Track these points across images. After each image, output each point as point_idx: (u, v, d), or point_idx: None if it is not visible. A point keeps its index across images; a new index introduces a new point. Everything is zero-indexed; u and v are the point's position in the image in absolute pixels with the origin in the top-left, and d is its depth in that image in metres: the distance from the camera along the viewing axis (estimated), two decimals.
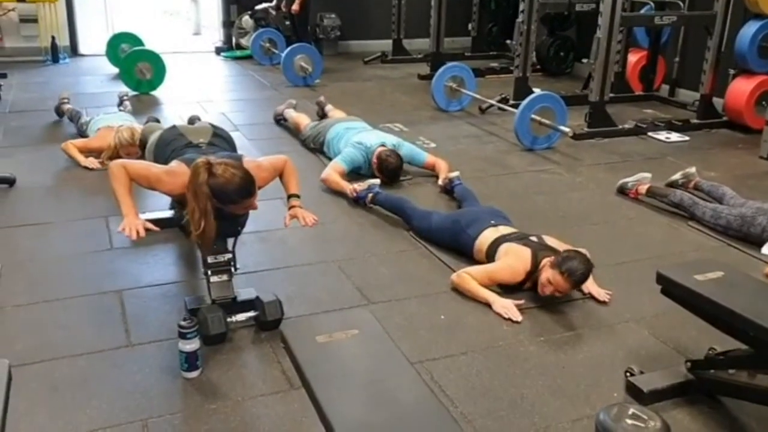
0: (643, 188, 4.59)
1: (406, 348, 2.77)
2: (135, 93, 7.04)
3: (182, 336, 2.61)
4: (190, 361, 2.63)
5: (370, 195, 4.33)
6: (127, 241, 3.74)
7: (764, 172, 5.36)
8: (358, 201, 4.39)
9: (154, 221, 3.87)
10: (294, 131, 5.87)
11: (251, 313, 2.96)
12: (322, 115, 6.02)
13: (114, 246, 3.77)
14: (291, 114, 6.04)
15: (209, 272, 2.96)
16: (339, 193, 4.55)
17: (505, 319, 3.12)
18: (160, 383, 2.63)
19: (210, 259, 2.96)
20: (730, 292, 2.50)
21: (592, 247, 3.54)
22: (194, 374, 2.65)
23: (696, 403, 2.60)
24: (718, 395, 2.62)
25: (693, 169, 4.75)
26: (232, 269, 3.00)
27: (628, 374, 2.70)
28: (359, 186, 4.41)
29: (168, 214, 3.87)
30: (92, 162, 4.89)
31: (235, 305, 2.96)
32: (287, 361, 2.49)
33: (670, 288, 2.64)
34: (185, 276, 3.50)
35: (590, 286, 3.36)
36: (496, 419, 2.50)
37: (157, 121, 5.21)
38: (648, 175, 4.69)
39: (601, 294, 3.33)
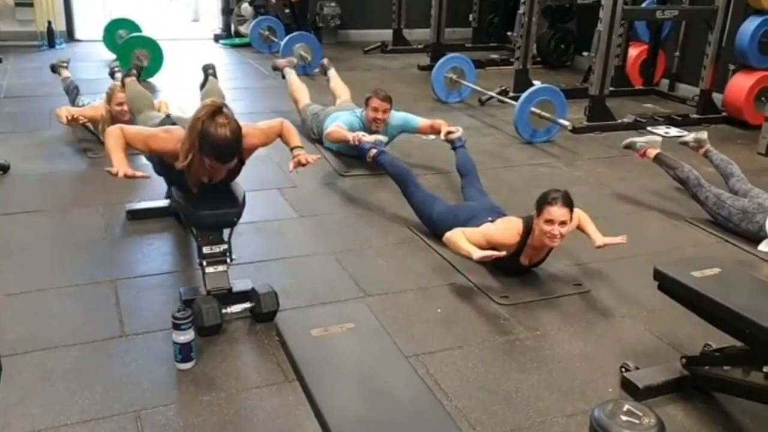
0: (652, 153, 4.48)
1: (401, 341, 2.77)
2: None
3: (176, 327, 2.60)
4: (184, 352, 2.62)
5: (374, 151, 4.24)
6: (122, 230, 3.79)
7: (762, 168, 5.35)
8: (360, 150, 4.34)
9: (150, 210, 3.93)
10: (292, 102, 5.81)
11: (246, 305, 2.94)
12: (324, 74, 6.06)
13: (109, 235, 3.75)
14: (291, 79, 5.95)
15: (204, 263, 2.94)
16: (335, 185, 4.53)
17: (488, 262, 3.17)
18: (153, 374, 2.61)
19: (206, 250, 2.94)
20: (727, 289, 2.50)
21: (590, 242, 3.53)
22: (188, 365, 2.64)
23: (691, 400, 2.60)
24: (713, 392, 2.62)
25: (705, 135, 4.64)
26: (228, 260, 2.98)
27: (623, 370, 2.70)
28: (365, 137, 4.36)
29: (164, 203, 3.85)
30: (74, 117, 4.82)
31: (230, 296, 2.94)
32: (282, 353, 2.47)
33: (667, 284, 2.63)
34: (180, 266, 3.48)
35: (601, 239, 3.36)
36: (491, 414, 2.49)
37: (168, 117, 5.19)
38: (659, 138, 4.61)
39: (615, 239, 3.33)
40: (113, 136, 2.91)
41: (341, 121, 4.81)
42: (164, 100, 5.37)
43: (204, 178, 2.92)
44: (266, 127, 3.18)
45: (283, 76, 6.04)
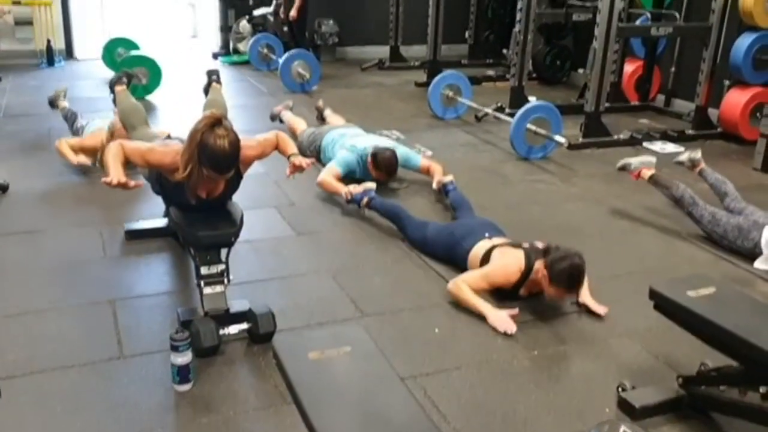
0: (646, 173, 4.49)
1: (399, 362, 2.78)
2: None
3: (174, 349, 2.60)
4: (182, 374, 2.63)
5: (366, 199, 4.30)
6: (121, 250, 3.80)
7: (758, 183, 5.38)
8: (352, 203, 4.37)
9: (148, 231, 3.94)
10: (290, 135, 5.85)
11: (244, 326, 2.95)
12: (322, 120, 6.02)
13: (107, 254, 3.76)
14: (288, 117, 6.02)
15: (202, 283, 2.95)
16: (333, 202, 4.55)
17: (500, 332, 3.12)
18: (151, 396, 2.62)
19: (203, 270, 2.95)
20: (722, 308, 2.51)
21: (586, 259, 3.51)
22: (186, 387, 2.64)
23: (687, 420, 2.60)
24: (710, 411, 2.62)
25: (699, 154, 4.66)
26: (225, 280, 2.99)
27: (620, 389, 2.70)
28: (355, 188, 4.40)
29: (162, 223, 3.87)
30: (82, 159, 4.82)
31: (227, 317, 2.94)
32: (279, 376, 2.48)
33: (662, 304, 2.64)
34: (178, 286, 3.49)
35: (586, 298, 3.37)
36: None
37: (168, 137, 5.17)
38: (653, 159, 4.61)
39: (598, 307, 3.33)
40: (112, 151, 2.93)
41: (338, 164, 4.80)
42: (165, 131, 5.38)
43: (202, 191, 2.94)
44: (262, 139, 3.21)
45: (281, 120, 6.07)
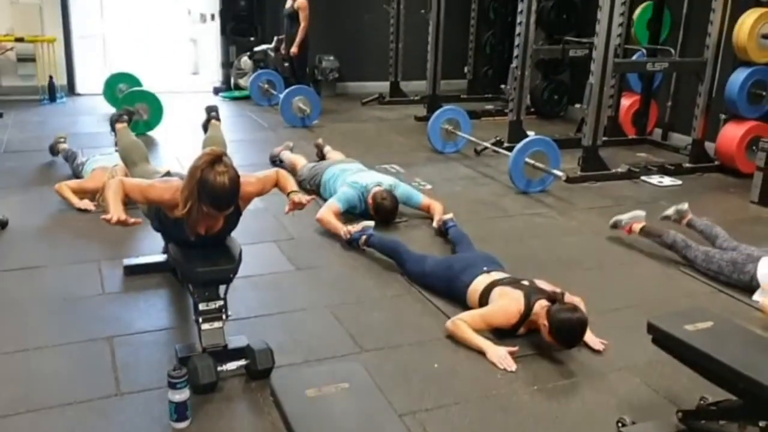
0: (637, 226, 4.58)
1: (398, 398, 2.77)
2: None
3: (172, 386, 2.59)
4: (180, 411, 2.61)
5: (364, 237, 4.33)
6: (119, 286, 3.81)
7: (755, 216, 5.40)
8: (351, 243, 4.40)
9: (147, 266, 3.94)
10: (290, 172, 5.88)
11: (242, 362, 2.94)
12: (321, 157, 6.06)
13: (106, 291, 3.76)
14: (288, 155, 6.07)
15: (200, 319, 2.94)
16: (332, 236, 4.56)
17: (499, 369, 3.11)
18: None
19: (201, 306, 2.95)
20: (720, 342, 2.51)
21: (586, 293, 3.55)
22: (183, 425, 2.62)
23: None
24: None
25: (686, 206, 4.73)
26: (224, 316, 2.98)
27: (620, 424, 2.68)
28: (353, 228, 4.43)
29: (161, 258, 3.88)
30: (87, 204, 4.89)
31: (225, 353, 2.93)
32: (277, 412, 2.48)
33: (660, 338, 2.64)
34: (177, 322, 3.48)
35: (590, 338, 3.36)
36: None
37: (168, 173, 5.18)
38: (642, 213, 4.69)
39: (595, 343, 3.32)
40: (113, 187, 2.94)
41: (339, 200, 4.83)
42: (165, 168, 5.42)
43: (201, 228, 2.95)
44: (262, 176, 3.23)
45: (281, 161, 6.11)
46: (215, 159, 2.78)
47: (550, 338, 3.17)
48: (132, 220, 2.85)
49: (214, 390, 2.84)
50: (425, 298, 3.77)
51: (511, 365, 3.12)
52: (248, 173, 3.18)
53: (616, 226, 4.72)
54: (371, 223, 4.49)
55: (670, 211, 4.74)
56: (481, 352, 3.21)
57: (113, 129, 4.81)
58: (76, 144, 6.26)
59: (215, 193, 2.76)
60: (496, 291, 3.46)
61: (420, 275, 3.91)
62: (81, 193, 4.97)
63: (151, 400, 2.78)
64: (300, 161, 5.83)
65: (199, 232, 2.96)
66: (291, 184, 3.27)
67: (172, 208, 2.93)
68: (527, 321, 3.32)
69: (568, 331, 3.13)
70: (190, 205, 2.82)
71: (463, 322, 3.33)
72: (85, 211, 4.85)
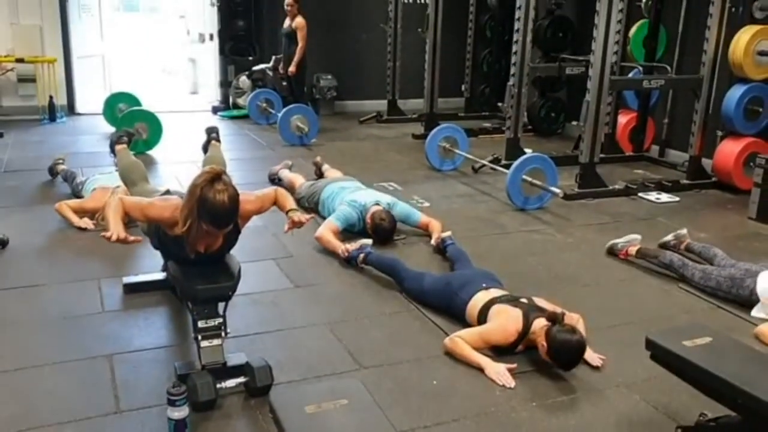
0: (633, 249, 4.63)
1: (396, 415, 2.77)
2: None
3: (171, 403, 2.59)
4: (179, 428, 2.61)
5: (362, 255, 4.35)
6: (119, 304, 3.82)
7: (753, 232, 5.42)
8: (349, 261, 4.41)
9: (147, 283, 3.95)
10: (289, 190, 5.91)
11: (241, 379, 2.94)
12: (320, 175, 6.08)
13: (106, 309, 3.76)
14: (286, 174, 6.10)
15: (199, 337, 2.95)
16: (331, 254, 4.57)
17: (498, 385, 3.11)
18: None
19: (201, 324, 2.96)
20: (718, 358, 2.52)
21: (584, 310, 3.56)
22: None
23: None
24: None
25: (684, 231, 4.78)
26: (223, 334, 2.99)
27: None
28: (351, 246, 4.44)
29: (160, 276, 3.88)
30: (86, 222, 4.91)
31: (225, 371, 2.94)
32: (277, 429, 2.48)
33: (658, 354, 2.66)
34: (176, 340, 3.48)
35: (590, 354, 3.36)
36: None
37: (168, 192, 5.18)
38: (638, 236, 4.73)
39: (594, 359, 3.33)
40: (113, 206, 2.97)
41: (339, 217, 4.85)
42: (164, 187, 5.44)
43: (201, 246, 2.96)
44: (261, 194, 3.25)
45: (280, 179, 6.14)
46: (215, 177, 2.81)
47: (548, 359, 3.18)
48: (132, 238, 2.88)
49: (214, 407, 2.84)
50: (424, 315, 3.78)
51: (510, 382, 3.12)
52: (247, 191, 3.20)
53: (612, 251, 4.75)
54: (369, 241, 4.50)
55: (669, 237, 4.78)
56: (480, 369, 3.21)
57: (113, 151, 4.84)
58: (75, 163, 6.30)
59: (215, 211, 2.78)
60: (495, 309, 3.46)
61: (419, 292, 3.92)
62: (81, 213, 4.99)
63: (150, 418, 2.78)
64: (298, 180, 5.86)
65: (198, 250, 2.97)
66: (290, 202, 3.29)
67: (171, 226, 2.94)
68: (525, 339, 3.32)
69: (567, 352, 3.14)
70: (189, 223, 2.83)
71: (461, 340, 3.33)
72: (84, 229, 4.87)
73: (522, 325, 3.31)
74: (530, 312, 3.35)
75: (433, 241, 4.77)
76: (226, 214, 2.82)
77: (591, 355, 3.33)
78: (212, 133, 4.87)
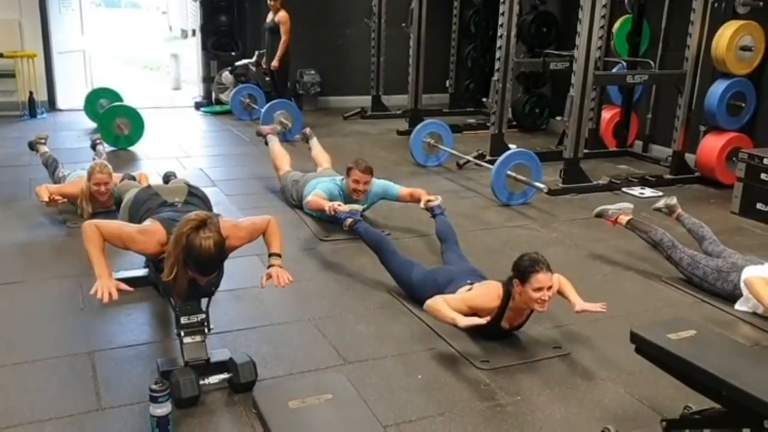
0: (623, 219, 4.56)
1: (381, 410, 2.76)
2: (113, 148, 7.04)
3: (153, 400, 2.56)
4: (161, 425, 2.58)
5: (350, 220, 4.30)
6: (100, 301, 3.75)
7: (736, 227, 5.45)
8: (336, 221, 4.37)
9: (128, 280, 3.88)
10: (273, 167, 5.87)
11: (224, 375, 2.92)
12: (305, 142, 6.10)
13: (86, 306, 3.71)
14: (274, 148, 5.99)
15: (182, 333, 2.92)
16: (315, 249, 4.54)
17: (472, 327, 3.16)
18: None
19: (183, 320, 2.93)
20: (702, 351, 2.52)
21: (568, 304, 3.55)
22: None
23: None
24: None
25: (674, 200, 4.73)
26: (206, 330, 2.96)
27: None
28: (341, 206, 4.40)
29: (142, 272, 3.84)
30: (53, 198, 4.78)
31: (208, 367, 2.91)
32: (260, 426, 2.45)
33: (643, 347, 2.65)
34: (158, 336, 3.45)
35: (582, 304, 3.38)
36: None
37: (133, 178, 5.17)
38: (630, 205, 4.67)
39: (596, 306, 3.34)
40: (89, 236, 2.89)
41: (321, 189, 4.87)
42: (144, 173, 5.41)
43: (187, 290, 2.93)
44: (250, 226, 3.19)
45: (266, 143, 6.11)
46: (200, 224, 2.76)
47: (526, 285, 3.20)
48: (123, 286, 2.85)
49: (197, 404, 2.81)
50: (408, 311, 3.76)
51: (482, 321, 3.16)
52: (241, 220, 3.20)
53: (601, 215, 4.68)
54: (360, 207, 4.48)
55: (661, 204, 4.74)
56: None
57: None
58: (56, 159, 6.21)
59: (201, 259, 2.75)
60: (476, 285, 3.49)
61: (406, 283, 3.90)
62: (59, 196, 4.89)
63: (132, 415, 2.75)
64: (283, 165, 5.76)
65: (186, 294, 2.93)
66: (276, 243, 3.21)
67: (156, 256, 2.92)
68: (508, 310, 3.33)
69: (526, 258, 3.25)
70: (176, 271, 2.80)
71: (442, 299, 3.34)
72: (53, 204, 4.79)
73: (503, 293, 3.33)
74: (508, 284, 3.35)
75: (421, 204, 4.75)
76: (212, 260, 2.80)
77: (591, 305, 3.36)
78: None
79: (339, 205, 4.44)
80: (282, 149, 5.99)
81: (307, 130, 6.27)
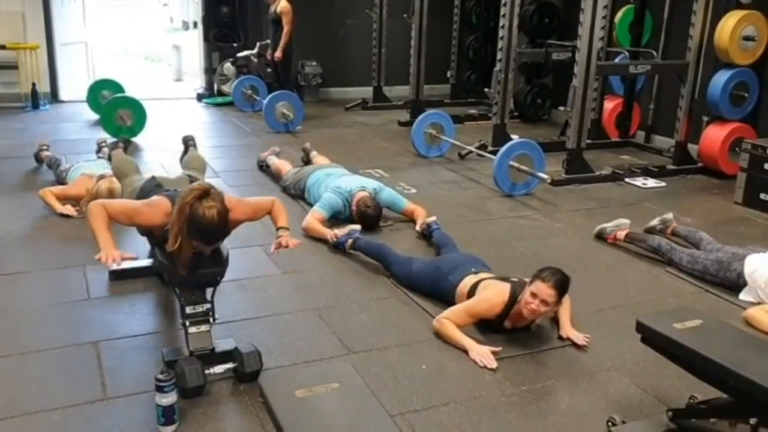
0: (621, 234, 4.63)
1: (386, 399, 2.76)
2: (115, 140, 7.02)
3: (159, 389, 2.57)
4: (167, 415, 2.58)
5: (350, 240, 4.33)
6: (105, 290, 3.78)
7: (739, 217, 5.44)
8: (338, 246, 4.39)
9: (133, 270, 3.90)
10: (276, 177, 5.89)
11: (230, 365, 2.92)
12: (307, 161, 6.05)
13: (91, 296, 3.72)
14: (274, 160, 6.06)
15: (187, 323, 2.92)
16: (320, 240, 4.54)
17: (480, 367, 3.11)
18: None
19: (188, 310, 2.93)
20: (709, 340, 2.51)
21: (572, 294, 3.53)
22: (171, 429, 2.60)
23: None
24: None
25: (670, 215, 4.80)
26: (211, 319, 2.96)
27: (610, 424, 2.69)
28: (339, 231, 4.42)
29: (147, 262, 3.84)
30: (69, 209, 4.84)
31: (213, 357, 2.91)
32: (266, 414, 2.46)
33: (649, 336, 2.65)
34: (163, 326, 3.45)
35: (568, 330, 3.38)
36: None
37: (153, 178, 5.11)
38: (627, 221, 4.74)
39: (579, 338, 3.34)
40: (95, 213, 2.88)
41: (324, 205, 4.81)
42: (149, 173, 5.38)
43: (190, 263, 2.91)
44: (255, 203, 3.21)
45: (268, 166, 6.10)
46: (203, 194, 2.76)
47: (536, 285, 3.19)
48: (126, 255, 2.84)
49: (202, 393, 2.82)
50: (412, 300, 3.77)
51: (492, 363, 3.12)
52: (244, 198, 3.19)
53: (600, 236, 4.75)
54: (357, 226, 4.49)
55: (655, 221, 4.79)
56: (465, 351, 3.21)
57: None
58: (59, 150, 6.22)
59: (205, 229, 2.75)
60: (483, 284, 3.48)
61: (407, 277, 3.91)
62: (64, 199, 4.92)
63: (138, 404, 2.75)
64: (285, 167, 5.82)
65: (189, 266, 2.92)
66: (282, 218, 3.23)
67: (161, 230, 2.89)
68: (512, 313, 3.33)
69: (555, 270, 3.23)
70: (180, 241, 2.78)
71: (448, 321, 3.34)
72: (67, 216, 4.81)
73: (509, 295, 3.32)
74: (518, 287, 3.35)
75: (417, 227, 4.75)
76: (216, 230, 2.79)
77: (576, 334, 3.35)
78: (189, 141, 4.83)
79: (338, 232, 4.43)
80: (281, 160, 6.04)
81: (307, 145, 6.26)
